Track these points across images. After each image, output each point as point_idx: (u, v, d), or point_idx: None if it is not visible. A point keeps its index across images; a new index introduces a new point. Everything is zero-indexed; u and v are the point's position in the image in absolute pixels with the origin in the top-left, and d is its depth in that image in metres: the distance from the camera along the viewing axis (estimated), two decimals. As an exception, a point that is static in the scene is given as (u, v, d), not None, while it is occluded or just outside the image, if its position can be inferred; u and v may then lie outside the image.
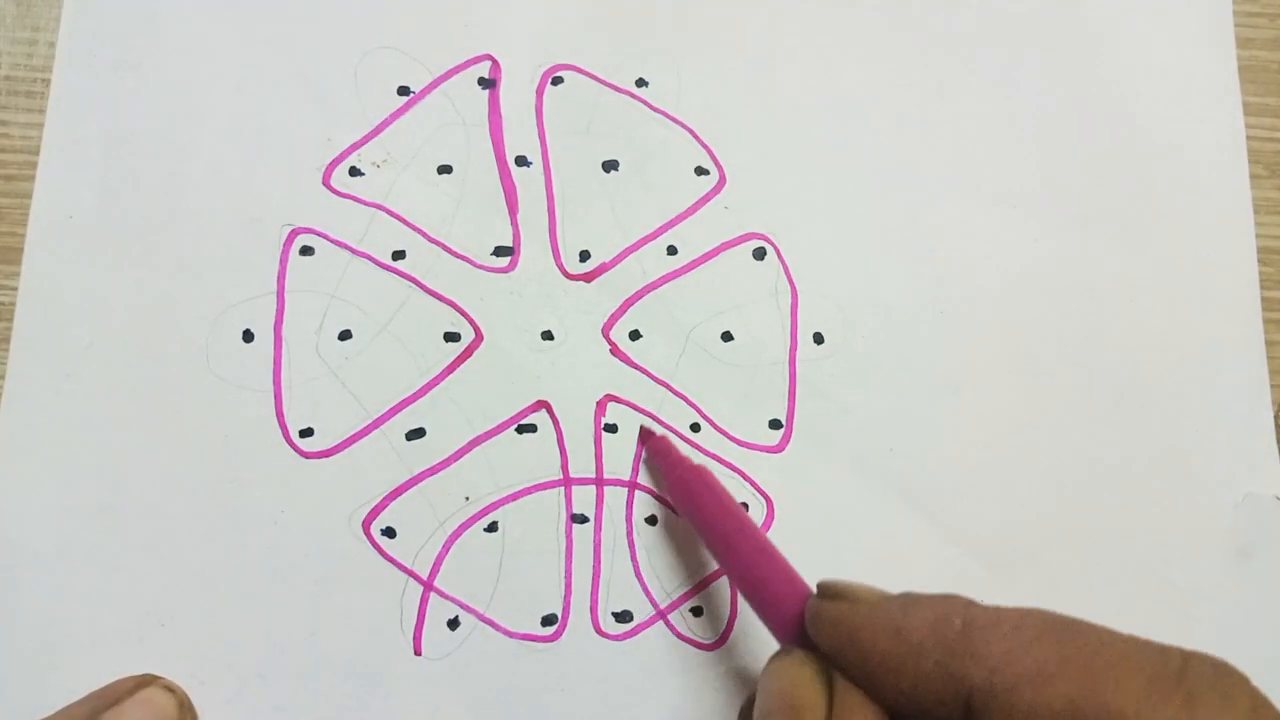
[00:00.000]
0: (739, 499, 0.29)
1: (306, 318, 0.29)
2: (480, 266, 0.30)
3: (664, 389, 0.30)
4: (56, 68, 0.30)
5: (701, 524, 0.26)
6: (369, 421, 0.29)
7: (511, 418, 0.29)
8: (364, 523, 0.28)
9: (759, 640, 0.29)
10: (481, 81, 0.31)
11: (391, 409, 0.29)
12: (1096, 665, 0.17)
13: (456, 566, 0.28)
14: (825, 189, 0.31)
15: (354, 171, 0.30)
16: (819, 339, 0.31)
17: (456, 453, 0.29)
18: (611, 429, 0.29)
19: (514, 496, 0.29)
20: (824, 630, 0.20)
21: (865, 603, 0.20)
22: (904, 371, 0.31)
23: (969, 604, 0.19)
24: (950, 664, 0.18)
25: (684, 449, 0.29)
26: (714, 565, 0.29)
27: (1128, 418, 0.31)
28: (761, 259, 0.31)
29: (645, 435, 0.29)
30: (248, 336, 0.29)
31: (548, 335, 0.30)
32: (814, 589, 0.22)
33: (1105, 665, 0.17)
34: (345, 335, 0.29)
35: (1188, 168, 0.33)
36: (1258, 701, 0.17)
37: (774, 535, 0.29)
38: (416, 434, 0.29)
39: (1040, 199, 0.32)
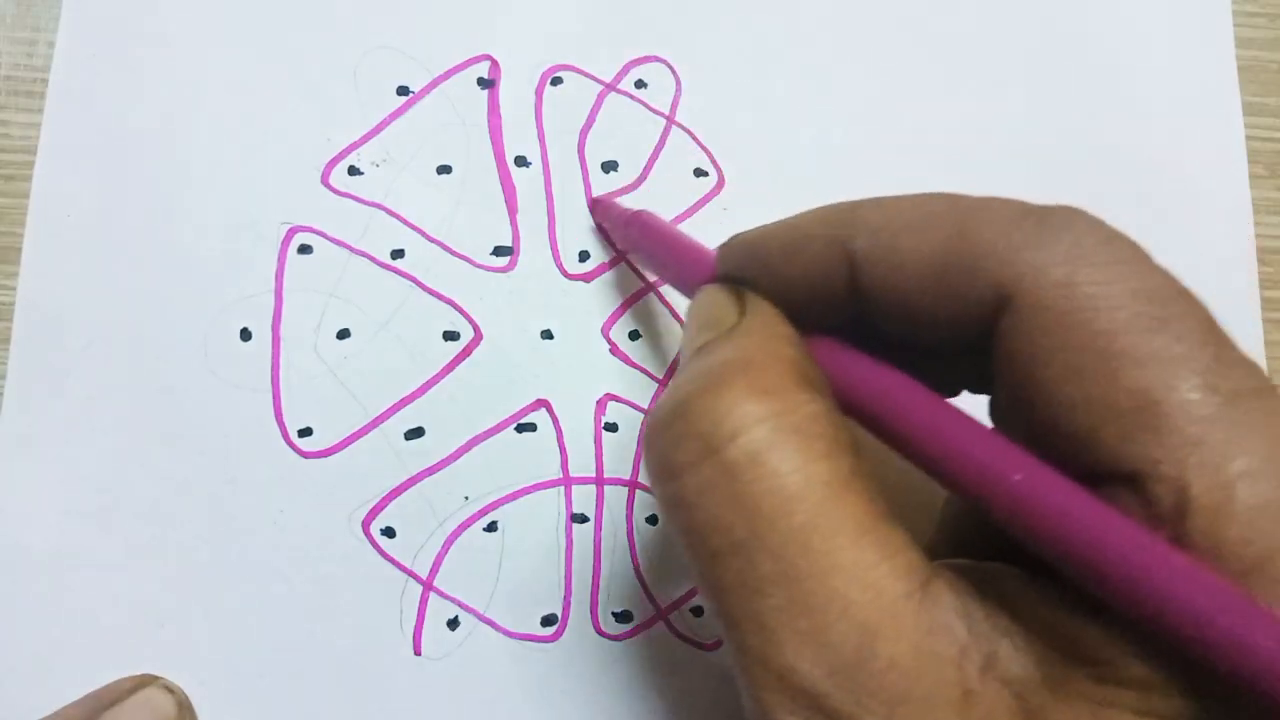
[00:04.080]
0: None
1: (305, 317, 0.29)
2: (480, 266, 0.30)
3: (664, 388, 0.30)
4: (55, 67, 0.30)
5: (650, 256, 0.28)
6: (368, 421, 0.29)
7: (511, 417, 0.29)
8: (363, 522, 0.28)
9: (759, 640, 0.29)
10: (481, 82, 0.31)
11: (390, 408, 0.29)
12: (969, 211, 0.18)
13: (456, 566, 0.28)
14: (824, 191, 0.31)
15: (353, 171, 0.30)
16: (818, 339, 0.31)
17: (456, 452, 0.29)
18: (611, 428, 0.29)
19: (513, 496, 0.29)
20: (733, 251, 0.22)
21: (768, 224, 0.21)
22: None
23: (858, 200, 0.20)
24: (837, 236, 0.19)
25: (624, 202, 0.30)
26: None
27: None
28: (761, 259, 0.31)
29: (591, 204, 0.31)
30: (246, 335, 0.29)
31: (547, 334, 0.30)
32: None
33: (977, 211, 0.18)
34: (344, 334, 0.29)
35: (1186, 168, 0.33)
36: (1111, 231, 0.18)
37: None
38: (415, 433, 0.29)
39: (1038, 200, 0.32)
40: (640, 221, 0.28)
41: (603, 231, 0.30)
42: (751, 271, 0.21)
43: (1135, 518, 0.15)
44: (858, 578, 0.16)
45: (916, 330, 0.19)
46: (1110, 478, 0.16)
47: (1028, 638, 0.16)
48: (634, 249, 0.29)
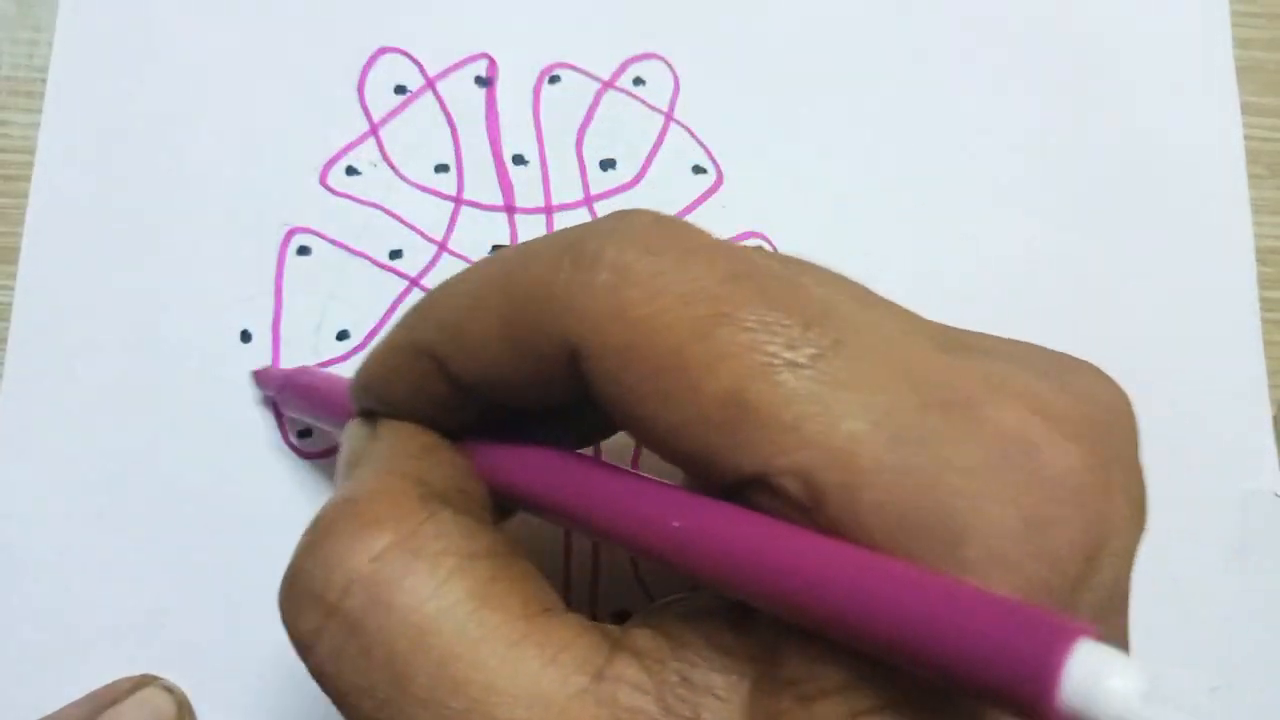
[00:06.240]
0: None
1: (304, 317, 0.29)
2: (478, 266, 0.30)
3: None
4: (54, 67, 0.30)
5: (311, 417, 0.26)
6: (367, 421, 0.29)
7: (509, 417, 0.29)
8: (362, 522, 0.28)
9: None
10: (478, 80, 0.31)
11: (389, 408, 0.29)
12: (515, 271, 0.16)
13: (455, 566, 0.28)
14: (823, 188, 0.31)
15: (351, 171, 0.30)
16: (817, 338, 0.30)
17: (454, 452, 0.29)
18: (609, 428, 0.29)
19: (512, 496, 0.29)
20: (354, 391, 0.20)
21: (371, 348, 0.20)
22: (902, 370, 0.30)
23: None
24: (417, 342, 0.18)
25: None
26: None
27: (1127, 417, 0.31)
28: (760, 258, 0.31)
29: (255, 377, 0.28)
30: (245, 337, 0.29)
31: (545, 335, 0.30)
32: None
33: (521, 268, 0.16)
34: (343, 335, 0.29)
35: (1185, 168, 0.33)
36: (652, 234, 0.15)
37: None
38: (414, 433, 0.29)
39: (1038, 200, 0.32)
40: (291, 384, 0.26)
41: (273, 403, 0.29)
42: (371, 404, 0.20)
43: (782, 517, 0.14)
44: (519, 695, 0.14)
45: (535, 403, 0.17)
46: (747, 487, 0.14)
47: (738, 677, 0.15)
48: (298, 414, 0.27)
